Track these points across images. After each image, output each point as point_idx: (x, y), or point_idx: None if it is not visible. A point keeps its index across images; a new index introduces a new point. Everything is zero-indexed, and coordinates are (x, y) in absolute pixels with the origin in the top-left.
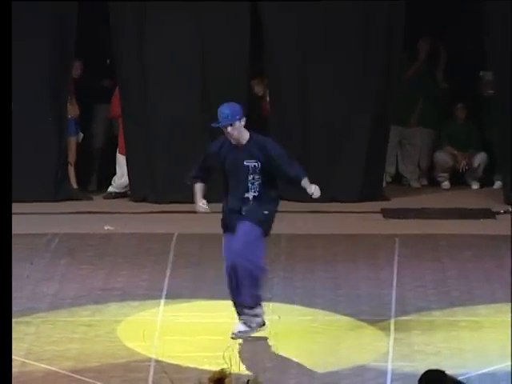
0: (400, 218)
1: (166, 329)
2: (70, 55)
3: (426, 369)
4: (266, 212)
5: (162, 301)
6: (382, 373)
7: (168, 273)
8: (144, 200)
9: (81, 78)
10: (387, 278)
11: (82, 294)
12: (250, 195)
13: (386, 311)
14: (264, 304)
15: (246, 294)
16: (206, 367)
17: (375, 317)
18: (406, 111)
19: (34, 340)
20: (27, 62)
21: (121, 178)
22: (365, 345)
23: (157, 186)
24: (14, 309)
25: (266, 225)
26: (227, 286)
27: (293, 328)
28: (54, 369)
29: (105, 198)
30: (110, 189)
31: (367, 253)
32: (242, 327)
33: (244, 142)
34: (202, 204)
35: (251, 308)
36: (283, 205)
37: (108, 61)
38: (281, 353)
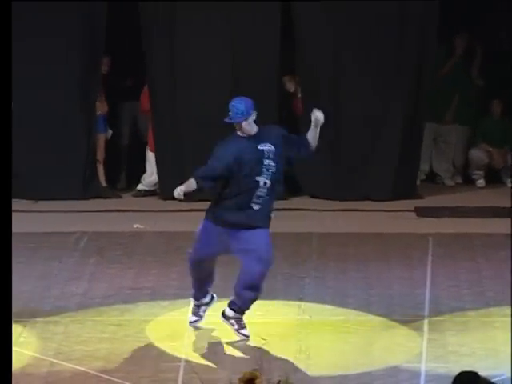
0: (434, 216)
1: (195, 328)
2: (99, 52)
3: (459, 370)
4: (272, 215)
5: (192, 300)
6: (416, 374)
7: None
8: (173, 198)
9: (109, 75)
10: (420, 277)
11: (111, 293)
12: (262, 180)
13: (419, 311)
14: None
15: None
16: (237, 367)
17: (408, 317)
18: (440, 108)
19: (62, 340)
20: (56, 60)
21: (150, 176)
22: (398, 345)
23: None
24: (42, 308)
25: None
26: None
27: (324, 328)
28: (82, 369)
29: (134, 196)
30: (140, 187)
31: (400, 252)
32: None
33: (253, 133)
34: (179, 192)
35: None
36: (315, 203)
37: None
38: (312, 353)
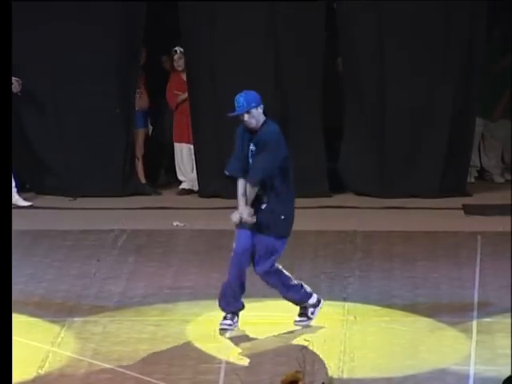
0: (482, 214)
1: (238, 329)
2: (138, 44)
3: (509, 373)
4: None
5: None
6: (463, 377)
7: None
8: (214, 195)
9: (150, 69)
10: (469, 277)
11: (151, 292)
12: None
13: (467, 312)
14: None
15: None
16: (279, 369)
17: (456, 318)
18: (490, 104)
19: (101, 340)
20: (93, 50)
21: (191, 173)
22: (445, 347)
23: (227, 181)
24: (80, 307)
25: None
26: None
27: (369, 329)
28: (121, 370)
29: (179, 194)
30: (184, 185)
31: (448, 251)
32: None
33: (256, 128)
34: (247, 213)
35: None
36: (359, 200)
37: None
38: (357, 355)
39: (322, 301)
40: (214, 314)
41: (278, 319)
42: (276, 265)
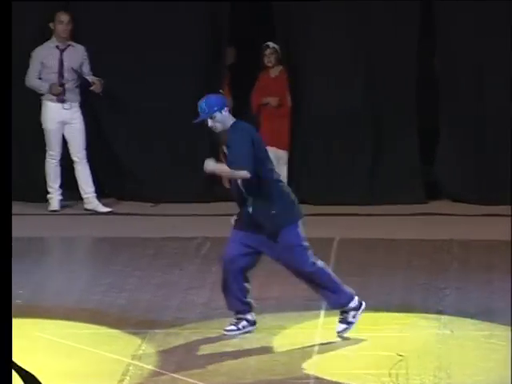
0: None
1: (326, 343)
2: (223, 43)
3: None
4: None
5: (322, 312)
6: None
7: None
8: (301, 202)
9: (236, 68)
10: None
11: None
12: (241, 187)
13: None
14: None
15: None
16: None
17: None
18: None
19: (183, 353)
20: (178, 54)
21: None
22: None
23: (315, 187)
24: (162, 319)
25: None
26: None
27: (466, 344)
28: None
29: None
30: None
31: None
32: (341, 327)
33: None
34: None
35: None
36: (456, 207)
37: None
38: (453, 371)
39: (363, 304)
40: (302, 327)
41: (368, 332)
42: (316, 258)
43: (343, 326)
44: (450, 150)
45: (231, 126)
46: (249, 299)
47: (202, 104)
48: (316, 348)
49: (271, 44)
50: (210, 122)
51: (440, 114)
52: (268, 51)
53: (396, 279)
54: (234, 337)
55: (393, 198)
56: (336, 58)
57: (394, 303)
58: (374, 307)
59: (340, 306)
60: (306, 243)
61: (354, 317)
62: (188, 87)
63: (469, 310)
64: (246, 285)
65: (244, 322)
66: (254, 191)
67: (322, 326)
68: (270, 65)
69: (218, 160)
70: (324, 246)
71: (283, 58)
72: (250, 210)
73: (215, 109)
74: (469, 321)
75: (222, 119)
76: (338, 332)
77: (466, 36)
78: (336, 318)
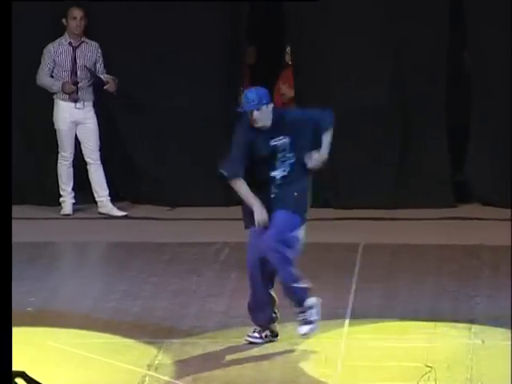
0: None
1: (350, 353)
2: (242, 42)
3: None
4: (296, 193)
5: (347, 321)
6: None
7: (353, 288)
8: (325, 205)
9: (256, 67)
10: None
11: None
12: (278, 174)
13: None
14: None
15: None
16: None
17: None
18: None
19: (201, 363)
20: (196, 53)
21: None
22: None
23: (340, 189)
24: (179, 328)
25: (300, 208)
26: (251, 285)
27: (498, 354)
28: None
29: None
30: None
31: None
32: (304, 328)
33: (269, 124)
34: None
35: (301, 301)
36: (487, 211)
37: None
38: (484, 383)
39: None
40: (325, 336)
41: (394, 341)
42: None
43: (307, 326)
44: (480, 151)
45: (279, 112)
46: (275, 311)
47: (252, 94)
48: (340, 358)
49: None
50: (255, 113)
51: (470, 112)
52: (289, 48)
53: (424, 286)
54: (254, 346)
55: (420, 201)
56: (361, 55)
57: (422, 311)
58: (401, 315)
59: (293, 281)
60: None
61: (316, 314)
62: (207, 87)
63: (500, 319)
64: (273, 294)
65: (267, 332)
66: (297, 168)
67: (347, 335)
68: (291, 62)
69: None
70: (349, 252)
71: (298, 57)
72: (274, 195)
73: (264, 101)
74: (500, 330)
75: (267, 114)
76: (304, 334)
77: (496, 31)
78: (362, 328)
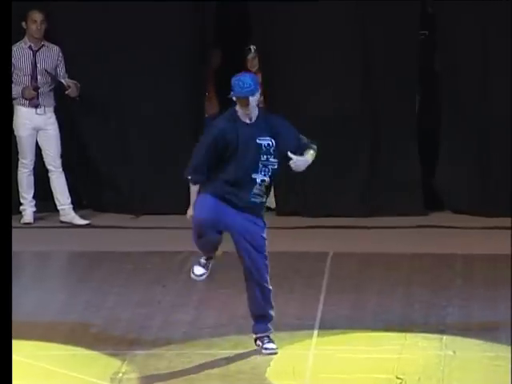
0: None
1: (319, 365)
2: (207, 45)
3: None
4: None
5: (315, 331)
6: None
7: (322, 298)
8: (292, 213)
9: (220, 71)
10: None
11: (223, 322)
12: (259, 177)
13: None
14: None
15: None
16: None
17: None
18: None
19: (166, 376)
20: (159, 56)
21: None
22: None
23: (308, 197)
24: (144, 339)
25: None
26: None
27: (470, 366)
28: None
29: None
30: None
31: None
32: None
33: (255, 118)
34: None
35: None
36: (459, 219)
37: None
38: None
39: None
40: (294, 347)
41: (365, 353)
42: None
43: (272, 345)
44: (451, 158)
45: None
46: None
47: (247, 78)
48: (309, 370)
49: (253, 47)
50: (251, 99)
51: (442, 119)
52: (251, 55)
53: (395, 296)
54: (220, 358)
55: (390, 208)
56: (329, 59)
57: (393, 322)
58: (371, 326)
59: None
60: None
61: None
62: (172, 92)
63: (473, 330)
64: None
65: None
66: (269, 187)
67: (316, 346)
68: (253, 69)
69: None
70: (317, 261)
71: (265, 60)
72: (257, 200)
73: (258, 88)
74: (473, 341)
75: (256, 102)
76: (266, 349)
77: (467, 34)
78: (330, 339)
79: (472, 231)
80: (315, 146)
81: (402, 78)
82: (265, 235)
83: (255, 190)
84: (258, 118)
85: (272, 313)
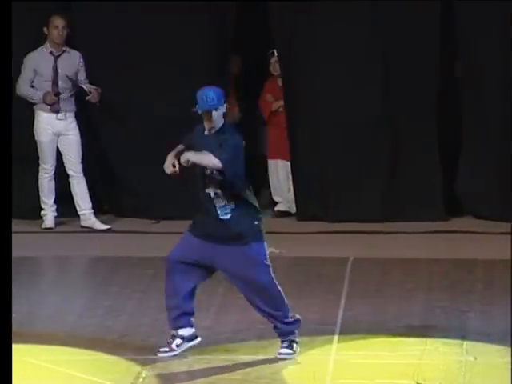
0: None
1: (339, 370)
2: (228, 51)
3: None
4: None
5: (336, 337)
6: None
7: (342, 304)
8: (313, 218)
9: (240, 76)
10: None
11: (242, 327)
12: (211, 192)
13: None
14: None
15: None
16: None
17: None
18: None
19: (187, 381)
20: (180, 63)
21: (288, 192)
22: None
23: (329, 202)
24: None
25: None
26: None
27: (491, 372)
28: None
29: (276, 216)
30: (280, 207)
31: None
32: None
33: (214, 131)
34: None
35: None
36: (480, 225)
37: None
38: None
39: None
40: (314, 353)
41: (385, 358)
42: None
43: (287, 350)
44: (472, 164)
45: (229, 125)
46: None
47: (210, 93)
48: (329, 376)
49: (275, 51)
50: (214, 115)
51: (463, 124)
52: (273, 59)
53: (415, 302)
54: (241, 363)
55: (412, 214)
56: (351, 67)
57: (414, 327)
58: (391, 332)
59: (289, 332)
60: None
61: (297, 346)
62: (193, 97)
63: (493, 335)
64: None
65: (179, 340)
66: (235, 198)
67: (336, 351)
68: (275, 73)
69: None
70: (337, 266)
71: (285, 65)
72: (227, 216)
73: (223, 101)
74: (493, 347)
75: (222, 114)
76: (280, 354)
77: (488, 43)
78: (351, 344)
79: (493, 236)
80: (223, 159)
81: (423, 86)
82: (261, 261)
83: (217, 204)
84: (217, 131)
85: (280, 313)
